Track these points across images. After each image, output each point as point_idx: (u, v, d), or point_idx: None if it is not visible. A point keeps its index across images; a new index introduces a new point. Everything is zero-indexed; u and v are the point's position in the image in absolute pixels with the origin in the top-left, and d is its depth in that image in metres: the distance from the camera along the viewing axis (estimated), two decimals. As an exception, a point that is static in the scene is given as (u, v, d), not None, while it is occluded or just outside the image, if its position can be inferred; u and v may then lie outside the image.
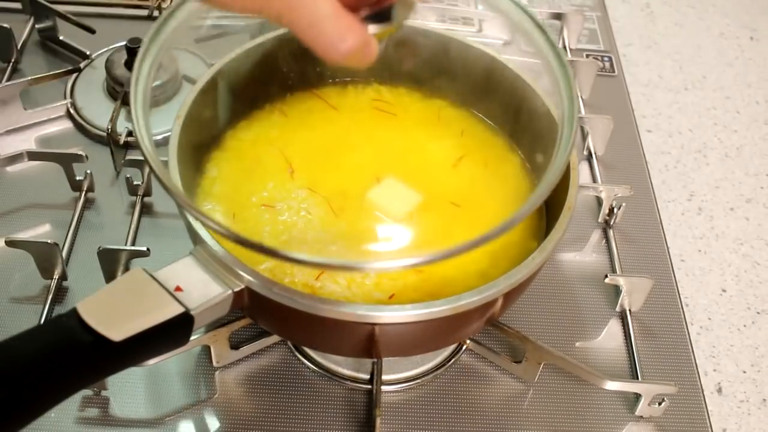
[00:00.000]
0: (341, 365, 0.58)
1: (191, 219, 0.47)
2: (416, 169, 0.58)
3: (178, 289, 0.44)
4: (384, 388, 0.57)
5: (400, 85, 0.64)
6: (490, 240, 0.42)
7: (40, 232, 0.66)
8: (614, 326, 0.63)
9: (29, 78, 0.74)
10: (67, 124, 0.74)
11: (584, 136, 0.76)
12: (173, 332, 0.44)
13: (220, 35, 0.81)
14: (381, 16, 0.43)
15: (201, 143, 0.58)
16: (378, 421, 0.54)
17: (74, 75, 0.77)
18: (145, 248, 0.59)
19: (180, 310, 0.43)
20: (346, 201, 0.55)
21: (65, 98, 0.75)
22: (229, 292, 0.45)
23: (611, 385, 0.57)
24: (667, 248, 0.68)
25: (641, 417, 0.57)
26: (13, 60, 0.79)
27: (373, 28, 0.42)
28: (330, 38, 0.38)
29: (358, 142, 0.60)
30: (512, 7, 0.52)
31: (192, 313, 0.44)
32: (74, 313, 0.41)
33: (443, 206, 0.56)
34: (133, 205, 0.67)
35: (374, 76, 0.64)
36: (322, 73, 0.63)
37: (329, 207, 0.55)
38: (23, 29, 0.82)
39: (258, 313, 0.50)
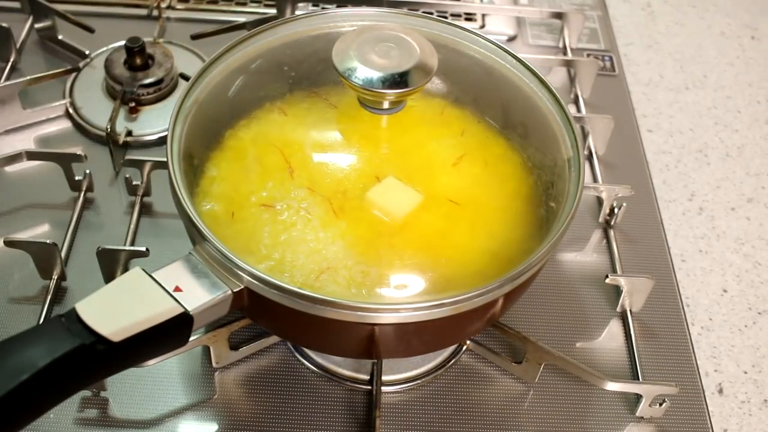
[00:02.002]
0: (341, 366, 0.58)
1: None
2: (417, 169, 0.58)
3: (177, 289, 0.44)
4: (384, 388, 0.57)
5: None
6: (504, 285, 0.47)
7: (39, 232, 0.65)
8: (615, 327, 0.63)
9: (28, 78, 0.74)
10: (66, 124, 0.74)
11: (585, 136, 0.76)
12: (172, 333, 0.44)
13: (217, 33, 0.80)
14: (399, 82, 0.51)
15: (200, 142, 0.58)
16: (378, 422, 0.54)
17: (73, 74, 0.77)
18: (144, 248, 0.59)
19: (179, 310, 0.43)
20: (346, 201, 0.55)
21: (64, 98, 0.75)
22: (229, 292, 0.45)
23: (612, 386, 0.57)
24: (668, 248, 0.68)
25: (642, 418, 0.57)
26: (12, 59, 0.79)
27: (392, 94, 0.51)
28: None
29: (358, 141, 0.60)
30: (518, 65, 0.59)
31: (191, 313, 0.43)
32: (73, 314, 0.41)
33: (443, 206, 0.56)
34: (132, 205, 0.67)
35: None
36: (323, 72, 0.63)
37: (329, 207, 0.55)
38: (22, 28, 0.82)
39: (257, 313, 0.50)
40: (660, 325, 0.63)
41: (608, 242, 0.68)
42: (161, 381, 0.57)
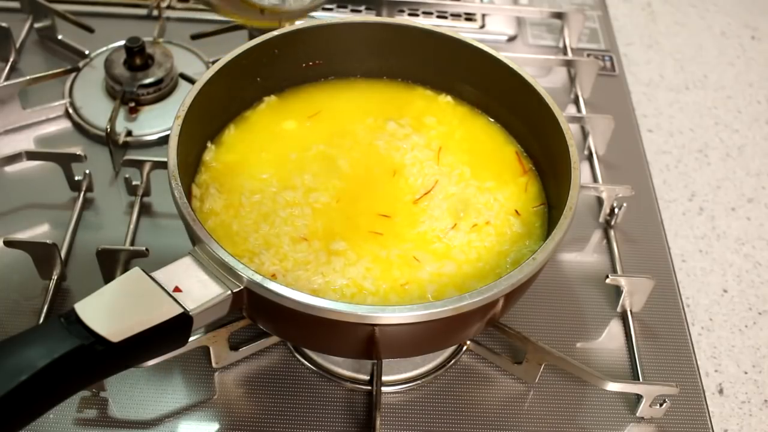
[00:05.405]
0: (341, 366, 0.58)
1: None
2: (415, 166, 0.58)
3: (177, 289, 0.44)
4: (384, 389, 0.57)
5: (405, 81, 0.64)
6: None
7: (39, 232, 0.65)
8: (615, 327, 0.63)
9: (28, 77, 0.74)
10: (65, 124, 0.74)
11: (585, 136, 0.76)
12: (172, 333, 0.44)
13: (217, 33, 0.80)
14: None
15: (200, 140, 0.58)
16: (378, 422, 0.54)
17: (73, 74, 0.77)
18: (144, 248, 0.59)
19: (179, 310, 0.43)
20: (347, 196, 0.55)
21: (64, 98, 0.75)
22: (228, 292, 0.45)
23: (612, 386, 0.56)
24: (668, 248, 0.68)
25: (642, 418, 0.57)
26: (11, 59, 0.79)
27: None
28: None
29: (358, 137, 0.60)
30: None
31: (191, 313, 0.43)
32: (73, 314, 0.41)
33: (443, 204, 0.56)
34: (131, 205, 0.67)
35: (376, 74, 0.64)
36: (320, 69, 0.63)
37: (331, 202, 0.55)
38: (22, 28, 0.82)
39: (257, 313, 0.50)
40: (660, 325, 0.63)
41: (608, 242, 0.68)
42: (161, 381, 0.57)
